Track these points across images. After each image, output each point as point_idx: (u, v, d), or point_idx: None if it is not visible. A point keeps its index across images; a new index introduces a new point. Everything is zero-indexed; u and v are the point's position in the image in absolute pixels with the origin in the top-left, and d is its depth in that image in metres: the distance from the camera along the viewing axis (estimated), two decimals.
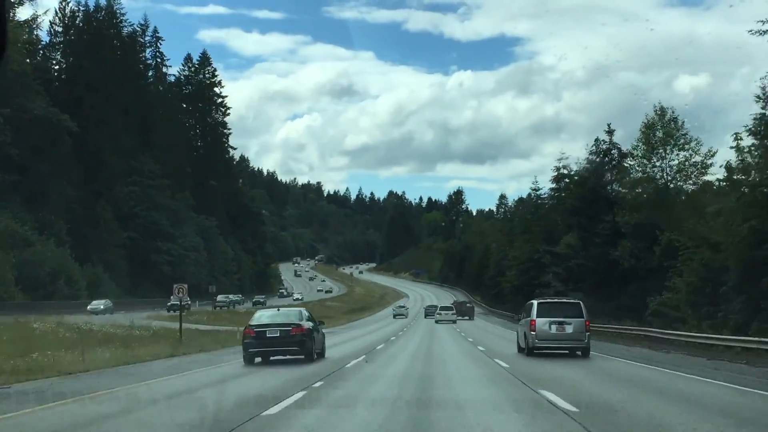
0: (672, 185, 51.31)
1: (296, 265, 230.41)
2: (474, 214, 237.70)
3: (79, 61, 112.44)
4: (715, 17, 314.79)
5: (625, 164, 53.81)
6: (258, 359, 24.20)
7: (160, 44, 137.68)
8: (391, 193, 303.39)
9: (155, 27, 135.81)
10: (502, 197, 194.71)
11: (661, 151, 51.00)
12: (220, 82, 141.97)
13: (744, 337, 28.87)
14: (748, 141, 33.52)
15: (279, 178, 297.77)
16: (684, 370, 21.37)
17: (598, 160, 54.35)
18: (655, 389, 16.35)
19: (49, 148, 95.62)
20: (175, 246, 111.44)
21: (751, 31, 31.50)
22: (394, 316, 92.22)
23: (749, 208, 32.21)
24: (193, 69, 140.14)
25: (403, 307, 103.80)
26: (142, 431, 11.37)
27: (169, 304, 75.82)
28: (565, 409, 12.45)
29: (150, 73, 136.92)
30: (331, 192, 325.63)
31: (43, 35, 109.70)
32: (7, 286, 71.45)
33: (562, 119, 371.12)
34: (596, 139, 54.55)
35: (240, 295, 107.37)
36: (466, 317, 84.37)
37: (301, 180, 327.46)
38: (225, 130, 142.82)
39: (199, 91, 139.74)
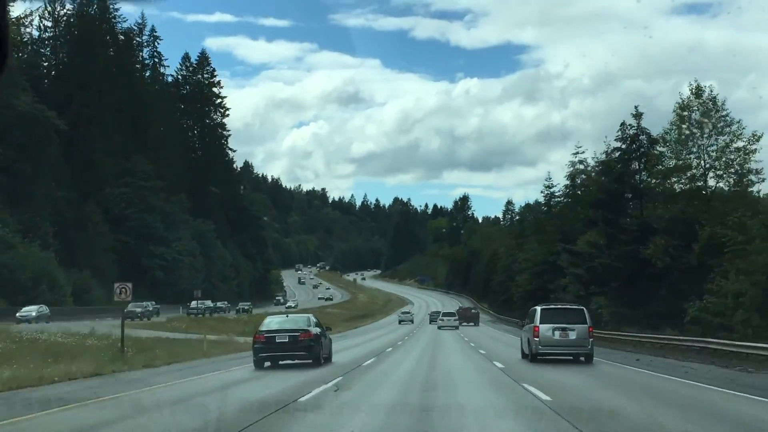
0: (711, 174, 44.29)
1: (299, 272, 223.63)
2: (480, 221, 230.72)
3: (69, 57, 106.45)
4: (721, 25, 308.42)
5: (656, 151, 46.80)
6: (267, 363, 24.29)
7: (158, 44, 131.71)
8: (396, 199, 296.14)
9: (153, 26, 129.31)
10: (509, 203, 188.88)
11: (697, 134, 43.97)
12: (219, 83, 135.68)
13: None
14: None
15: (283, 185, 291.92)
16: None
17: (624, 146, 47.34)
18: None
19: (35, 147, 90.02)
20: (169, 250, 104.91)
21: None
22: (400, 321, 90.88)
23: None
24: (191, 69, 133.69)
25: (408, 313, 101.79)
26: None
27: (126, 310, 66.77)
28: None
29: (147, 74, 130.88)
30: (336, 199, 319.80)
31: (32, 29, 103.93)
32: None
33: (568, 127, 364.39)
34: (622, 124, 47.57)
35: (226, 302, 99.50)
36: (471, 323, 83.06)
37: (306, 187, 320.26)
38: (224, 132, 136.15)
39: (198, 91, 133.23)
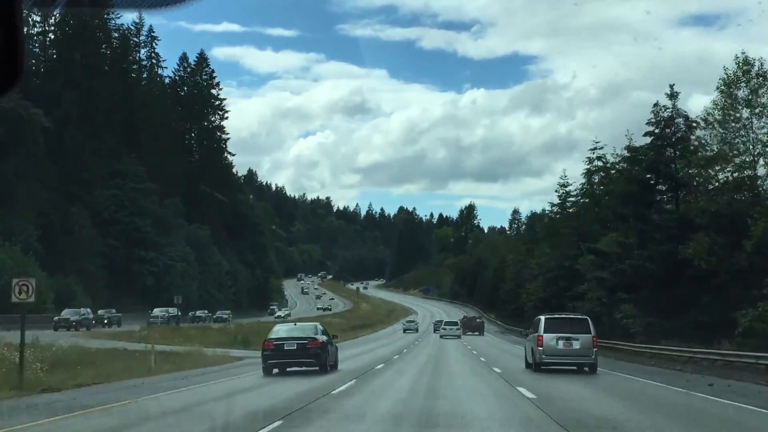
0: (762, 161, 37.12)
1: (301, 282, 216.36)
2: (485, 231, 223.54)
3: (59, 54, 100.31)
4: (729, 37, 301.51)
5: (695, 136, 39.83)
6: (276, 370, 24.52)
7: (156, 44, 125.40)
8: (401, 209, 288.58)
9: (150, 26, 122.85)
10: (515, 212, 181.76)
11: (746, 113, 36.87)
12: (218, 84, 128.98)
13: None
14: None
15: (288, 193, 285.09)
16: None
17: (657, 131, 40.29)
18: None
19: (18, 145, 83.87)
20: (161, 255, 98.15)
21: None
22: (405, 330, 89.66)
23: None
24: (189, 70, 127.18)
25: (413, 322, 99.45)
26: None
27: (56, 318, 58.67)
28: None
29: (144, 75, 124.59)
30: (341, 208, 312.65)
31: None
32: None
33: (575, 138, 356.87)
34: (655, 105, 40.54)
35: (206, 311, 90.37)
36: (476, 333, 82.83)
37: (311, 196, 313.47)
38: (223, 135, 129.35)
39: (196, 93, 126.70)
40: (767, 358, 26.62)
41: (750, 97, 36.84)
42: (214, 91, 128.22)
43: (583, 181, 64.67)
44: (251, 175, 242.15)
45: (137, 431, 12.43)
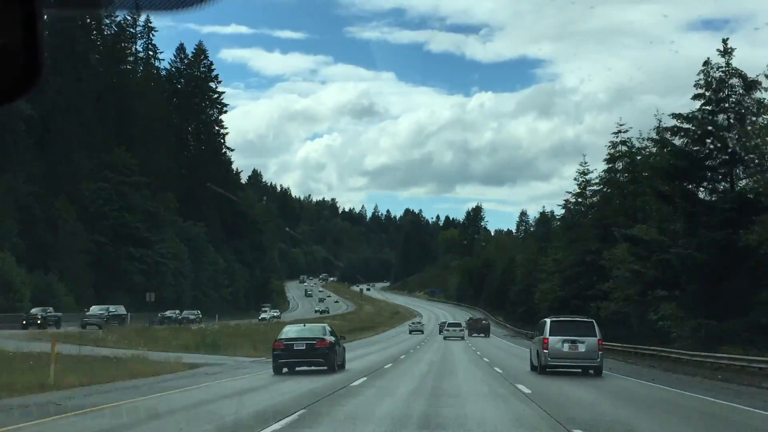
0: None
1: (304, 283, 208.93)
2: (492, 234, 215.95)
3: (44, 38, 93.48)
4: (739, 41, 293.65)
5: (753, 101, 32.37)
6: (285, 369, 24.79)
7: (153, 35, 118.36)
8: (407, 211, 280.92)
9: (147, 17, 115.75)
10: (523, 214, 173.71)
11: None
12: (216, 77, 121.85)
13: None
14: None
15: (293, 194, 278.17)
16: None
17: (708, 94, 32.77)
18: None
19: None
20: (151, 252, 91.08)
21: None
22: (410, 332, 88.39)
23: None
24: (186, 62, 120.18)
25: (419, 323, 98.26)
26: None
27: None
28: None
29: (141, 69, 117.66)
30: (347, 210, 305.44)
31: None
32: None
33: (583, 142, 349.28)
34: (705, 62, 32.86)
35: (177, 311, 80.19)
36: (482, 334, 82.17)
37: (317, 198, 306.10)
38: (221, 129, 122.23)
39: (194, 85, 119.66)
40: None
41: None
42: (212, 84, 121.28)
43: (605, 168, 57.17)
44: (256, 175, 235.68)
45: None
